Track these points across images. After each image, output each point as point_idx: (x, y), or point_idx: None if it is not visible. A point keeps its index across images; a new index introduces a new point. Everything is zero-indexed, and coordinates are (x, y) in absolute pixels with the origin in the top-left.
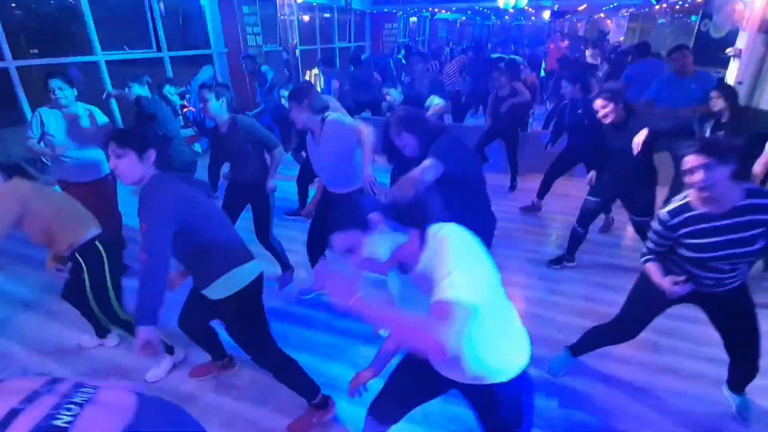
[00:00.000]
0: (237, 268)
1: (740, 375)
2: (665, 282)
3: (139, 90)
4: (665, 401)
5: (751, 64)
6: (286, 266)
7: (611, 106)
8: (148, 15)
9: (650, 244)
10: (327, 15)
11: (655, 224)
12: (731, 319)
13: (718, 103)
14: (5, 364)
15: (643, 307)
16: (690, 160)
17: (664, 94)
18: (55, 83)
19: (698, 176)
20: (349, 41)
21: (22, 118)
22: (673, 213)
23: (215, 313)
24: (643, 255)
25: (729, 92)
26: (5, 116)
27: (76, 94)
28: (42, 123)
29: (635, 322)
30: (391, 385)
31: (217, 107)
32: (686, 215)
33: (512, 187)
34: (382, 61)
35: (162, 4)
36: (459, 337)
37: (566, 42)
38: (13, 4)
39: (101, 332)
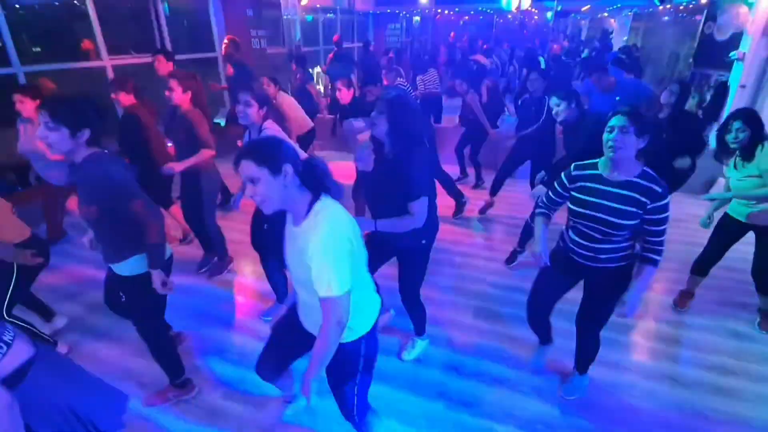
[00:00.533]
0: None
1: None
2: (534, 246)
3: None
4: (666, 408)
5: (754, 67)
6: (220, 255)
7: (563, 104)
8: (154, 19)
9: (548, 194)
10: (330, 15)
11: (561, 176)
12: (592, 294)
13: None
14: None
15: (545, 277)
16: (616, 120)
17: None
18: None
19: (614, 135)
20: (352, 41)
21: None
22: (578, 167)
23: (122, 287)
24: (537, 207)
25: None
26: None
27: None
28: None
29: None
30: (269, 343)
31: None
32: (587, 171)
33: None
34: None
35: (166, 7)
36: (346, 314)
37: (567, 42)
38: (18, 7)
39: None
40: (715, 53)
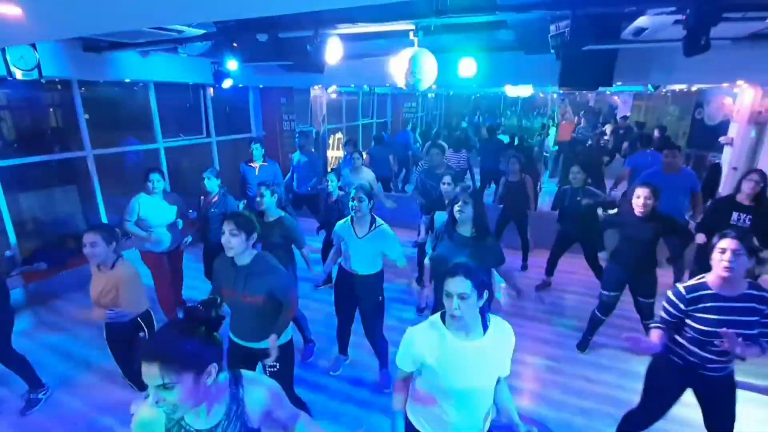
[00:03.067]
0: None
1: None
2: (654, 337)
3: (213, 181)
4: None
5: (743, 151)
6: (307, 339)
7: (652, 200)
8: (202, 106)
9: (662, 314)
10: (353, 98)
11: (671, 297)
12: (716, 404)
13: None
14: (73, 421)
15: (659, 392)
16: (727, 243)
17: None
18: (154, 176)
19: (728, 257)
20: (371, 118)
21: (91, 199)
22: (690, 289)
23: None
24: (654, 323)
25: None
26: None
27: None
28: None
29: (655, 409)
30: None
31: (270, 203)
32: (701, 292)
33: (524, 267)
34: (402, 138)
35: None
36: None
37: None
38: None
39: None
40: (707, 136)
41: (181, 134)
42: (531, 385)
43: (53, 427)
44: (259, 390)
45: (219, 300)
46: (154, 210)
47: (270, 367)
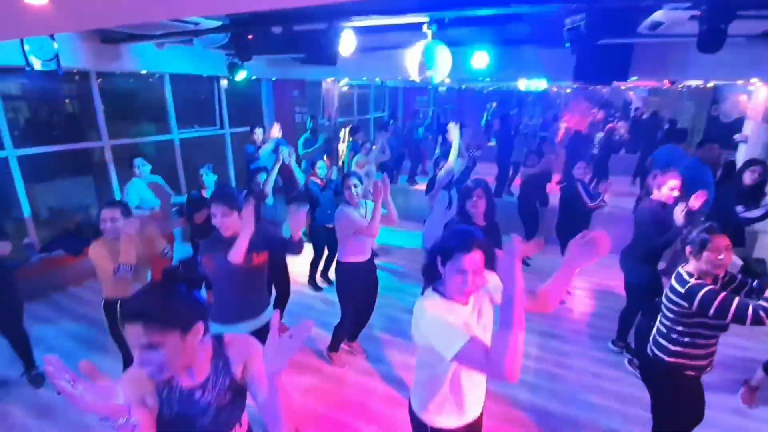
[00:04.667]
0: None
1: None
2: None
3: (210, 176)
4: None
5: (757, 148)
6: None
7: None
8: (216, 98)
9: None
10: (364, 91)
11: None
12: None
13: None
14: None
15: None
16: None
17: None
18: (138, 161)
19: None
20: (383, 111)
21: (108, 189)
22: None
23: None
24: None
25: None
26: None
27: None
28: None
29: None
30: None
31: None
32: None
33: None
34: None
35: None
36: None
37: (593, 114)
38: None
39: None
40: (723, 133)
41: (195, 125)
42: (539, 379)
43: (54, 406)
44: (240, 341)
45: (198, 261)
46: (147, 193)
47: None
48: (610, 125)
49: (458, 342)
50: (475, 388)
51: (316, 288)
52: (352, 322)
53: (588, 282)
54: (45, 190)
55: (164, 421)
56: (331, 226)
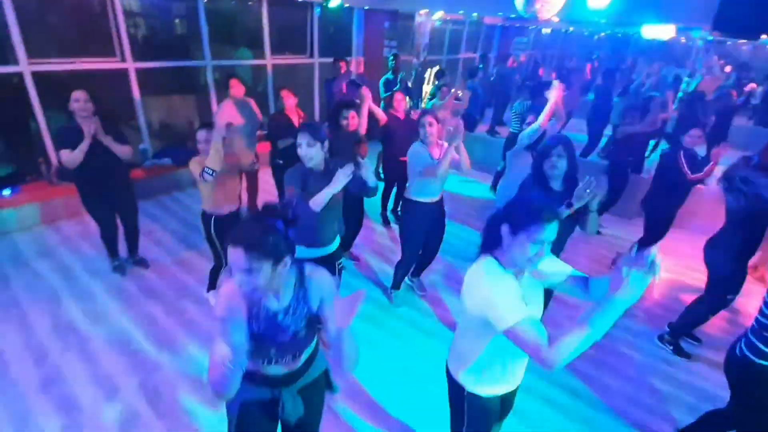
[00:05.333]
0: None
1: None
2: None
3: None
4: None
5: None
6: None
7: None
8: (308, 25)
9: None
10: (458, 27)
11: None
12: None
13: None
14: (177, 287)
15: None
16: None
17: None
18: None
19: None
20: (475, 52)
21: (207, 107)
22: None
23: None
24: None
25: None
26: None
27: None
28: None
29: None
30: None
31: None
32: None
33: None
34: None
35: (317, 9)
36: None
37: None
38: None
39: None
40: None
41: (287, 52)
42: (603, 354)
43: (157, 288)
44: (319, 276)
45: (294, 203)
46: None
47: (338, 264)
48: (750, 86)
49: (515, 316)
50: (517, 361)
51: (386, 223)
52: (412, 262)
53: (678, 263)
54: (156, 104)
55: (249, 335)
56: (403, 159)
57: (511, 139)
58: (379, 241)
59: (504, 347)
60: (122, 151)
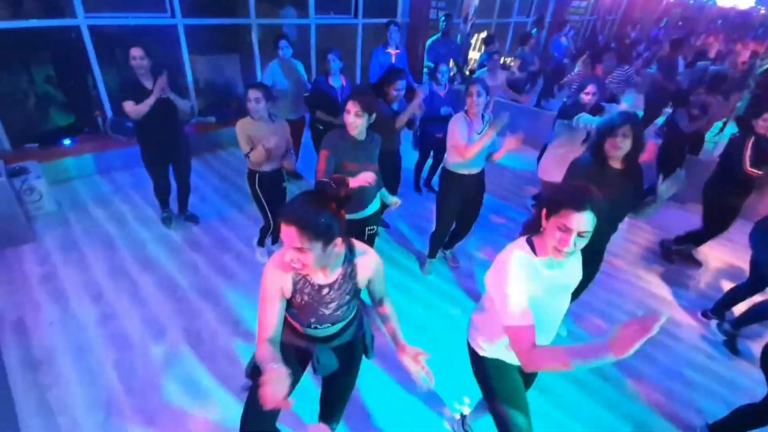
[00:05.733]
0: None
1: None
2: None
3: (336, 63)
4: None
5: None
6: None
7: None
8: None
9: None
10: None
11: None
12: None
13: None
14: (222, 241)
15: None
16: None
17: None
18: (283, 42)
19: None
20: (528, 16)
21: (251, 67)
22: None
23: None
24: None
25: None
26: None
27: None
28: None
29: None
30: None
31: None
32: None
33: None
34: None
35: None
36: None
37: None
38: None
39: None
40: None
41: (332, 11)
42: None
43: (201, 241)
44: (368, 258)
45: (347, 181)
46: (284, 74)
47: (369, 230)
48: None
49: (517, 318)
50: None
51: (418, 191)
52: (446, 233)
53: (727, 253)
54: (202, 62)
55: (293, 303)
56: (440, 135)
57: (564, 110)
58: (413, 209)
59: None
60: (186, 107)
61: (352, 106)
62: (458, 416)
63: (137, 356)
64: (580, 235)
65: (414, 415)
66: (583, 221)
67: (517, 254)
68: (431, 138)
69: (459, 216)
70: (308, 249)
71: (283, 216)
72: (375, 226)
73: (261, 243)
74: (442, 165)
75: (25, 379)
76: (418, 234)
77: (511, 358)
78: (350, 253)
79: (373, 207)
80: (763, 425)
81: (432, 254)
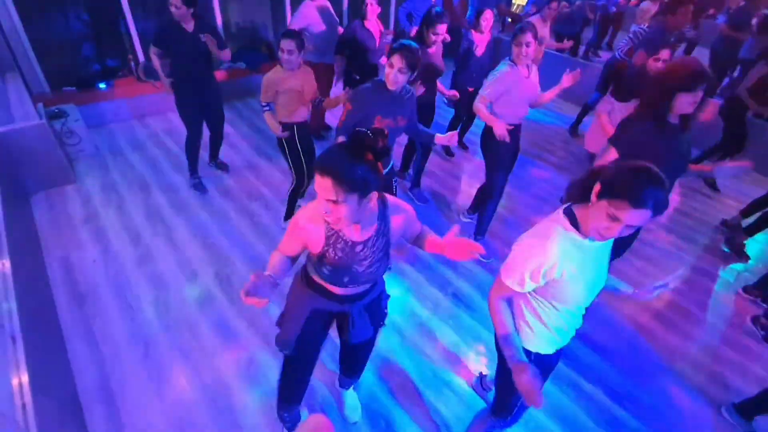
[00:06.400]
0: None
1: None
2: None
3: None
4: None
5: None
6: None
7: None
8: None
9: None
10: None
11: None
12: None
13: None
14: (248, 190)
15: None
16: None
17: None
18: None
19: None
20: None
21: (281, 10)
22: None
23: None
24: None
25: None
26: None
27: None
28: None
29: None
30: None
31: None
32: None
33: None
34: None
35: None
36: None
37: None
38: None
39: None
40: None
41: None
42: (672, 312)
43: (232, 189)
44: (401, 214)
45: (386, 132)
46: (314, 18)
47: (395, 182)
48: None
49: (515, 284)
50: (542, 324)
51: (448, 153)
52: (500, 193)
53: None
54: (232, 5)
55: (326, 260)
56: (472, 89)
57: (614, 65)
58: (440, 168)
59: (527, 304)
60: (223, 56)
61: (397, 61)
62: (477, 374)
63: (172, 296)
64: (629, 227)
65: (434, 372)
66: (639, 218)
67: (560, 229)
68: (464, 94)
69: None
70: (343, 202)
71: (317, 166)
72: (395, 178)
73: (290, 214)
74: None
75: (71, 311)
76: (447, 192)
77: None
78: (383, 207)
79: (389, 166)
80: None
81: (483, 231)
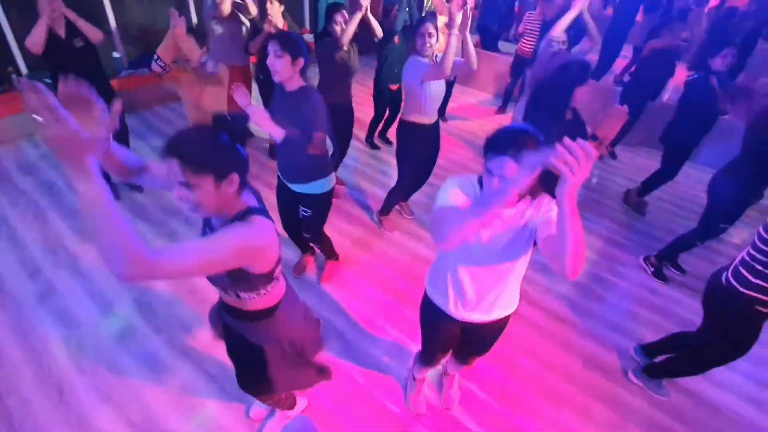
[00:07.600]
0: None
1: None
2: None
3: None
4: None
5: None
6: None
7: None
8: None
9: None
10: None
11: None
12: None
13: None
14: None
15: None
16: None
17: None
18: None
19: None
20: None
21: (184, 7)
22: None
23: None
24: None
25: None
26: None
27: None
28: None
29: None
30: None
31: None
32: None
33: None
34: None
35: None
36: None
37: None
38: None
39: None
40: None
41: None
42: (590, 281)
43: (146, 207)
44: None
45: (248, 117)
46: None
47: (304, 212)
48: None
49: (443, 200)
50: (480, 289)
51: (373, 147)
52: (408, 187)
53: (672, 193)
54: (129, 4)
55: None
56: (395, 87)
57: (522, 58)
58: (368, 163)
59: (463, 271)
60: (94, 35)
61: (271, 46)
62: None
63: (84, 332)
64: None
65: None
66: (505, 167)
67: (463, 177)
68: (386, 91)
69: (417, 168)
70: (195, 185)
71: (166, 148)
72: (309, 210)
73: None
74: (399, 118)
75: None
76: (377, 189)
77: (444, 302)
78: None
79: (312, 188)
80: (691, 351)
81: (386, 211)
